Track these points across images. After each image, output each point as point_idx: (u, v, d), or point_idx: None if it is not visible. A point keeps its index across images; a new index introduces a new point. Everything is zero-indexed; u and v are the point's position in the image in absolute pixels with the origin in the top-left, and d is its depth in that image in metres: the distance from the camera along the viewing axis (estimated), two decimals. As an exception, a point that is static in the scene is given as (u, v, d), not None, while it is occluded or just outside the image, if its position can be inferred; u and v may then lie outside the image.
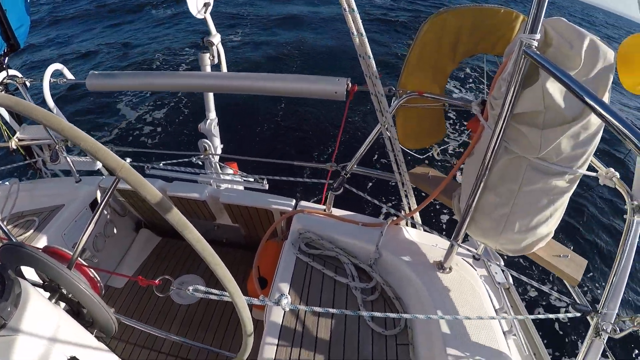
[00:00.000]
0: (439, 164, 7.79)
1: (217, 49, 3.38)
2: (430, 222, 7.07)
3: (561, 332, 5.67)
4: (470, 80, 13.88)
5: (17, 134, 3.42)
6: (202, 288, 1.29)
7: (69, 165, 3.43)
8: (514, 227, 1.95)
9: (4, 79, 3.13)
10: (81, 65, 12.59)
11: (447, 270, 2.47)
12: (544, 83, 1.55)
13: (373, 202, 2.81)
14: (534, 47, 1.46)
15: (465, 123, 10.23)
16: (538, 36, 1.45)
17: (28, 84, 3.24)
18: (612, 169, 1.75)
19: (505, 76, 1.69)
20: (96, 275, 1.56)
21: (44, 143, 3.58)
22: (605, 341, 1.71)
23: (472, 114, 2.10)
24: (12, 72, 3.22)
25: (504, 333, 2.21)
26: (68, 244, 3.15)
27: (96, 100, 10.44)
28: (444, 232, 2.57)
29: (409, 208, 2.79)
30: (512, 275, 2.50)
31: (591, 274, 6.66)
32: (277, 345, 2.19)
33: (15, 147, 3.42)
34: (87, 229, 1.41)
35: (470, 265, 2.63)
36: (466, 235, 2.25)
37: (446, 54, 2.60)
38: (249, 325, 1.39)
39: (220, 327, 3.35)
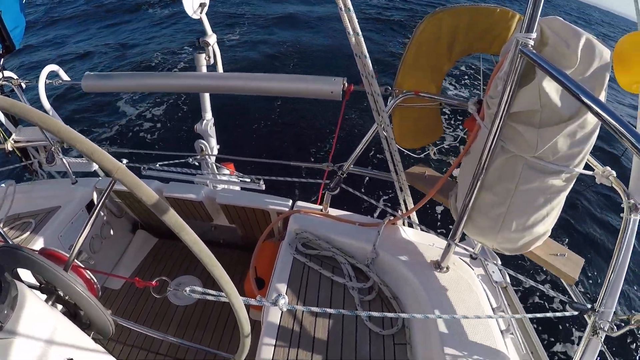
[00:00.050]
0: (436, 163, 7.79)
1: (213, 49, 3.37)
2: (427, 221, 7.08)
3: (559, 331, 5.68)
4: (466, 77, 13.94)
5: (13, 136, 3.41)
6: (199, 289, 1.29)
7: (65, 167, 3.42)
8: (510, 226, 1.95)
9: None
10: (79, 65, 12.58)
11: (445, 269, 2.47)
12: (541, 82, 1.55)
13: (370, 202, 2.80)
14: (530, 46, 1.46)
15: (460, 118, 10.30)
16: (534, 35, 1.45)
17: (24, 85, 3.24)
18: (608, 168, 1.75)
19: (501, 75, 1.68)
20: (93, 277, 1.55)
21: (40, 145, 3.57)
22: (602, 339, 1.72)
23: (468, 113, 2.10)
24: (7, 73, 3.21)
25: (501, 332, 2.21)
26: (65, 245, 3.14)
27: (96, 98, 10.45)
28: (440, 232, 2.57)
29: (406, 207, 2.79)
30: (509, 274, 2.50)
31: (588, 272, 6.68)
32: (275, 345, 2.19)
33: (11, 149, 3.41)
34: (83, 231, 1.40)
35: (468, 264, 2.63)
36: (463, 235, 2.25)
37: (442, 53, 2.60)
38: (246, 326, 1.39)
39: (218, 327, 3.35)
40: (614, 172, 1.73)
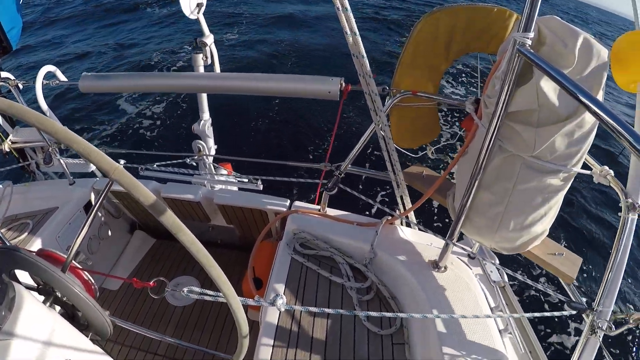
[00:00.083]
0: (434, 163, 7.80)
1: (211, 50, 3.37)
2: (425, 221, 7.08)
3: (557, 330, 5.69)
4: (463, 75, 14.01)
5: (10, 137, 3.40)
6: (197, 289, 1.29)
7: (62, 168, 3.41)
8: (508, 226, 1.95)
9: None
10: (77, 66, 12.56)
11: (442, 269, 2.47)
12: (538, 81, 1.54)
13: (367, 202, 2.80)
14: (527, 45, 1.46)
15: (456, 115, 10.31)
16: (532, 34, 1.45)
17: (21, 86, 3.23)
18: (606, 167, 1.75)
19: (499, 74, 1.68)
20: (90, 278, 1.55)
21: (37, 145, 3.56)
22: (601, 338, 1.72)
23: (466, 113, 2.10)
24: (4, 74, 3.20)
25: (499, 331, 2.21)
26: (62, 246, 3.13)
27: (95, 97, 10.45)
28: (438, 231, 2.57)
29: (404, 207, 2.79)
30: (507, 274, 2.51)
31: (586, 271, 6.69)
32: (273, 346, 2.18)
33: (8, 150, 3.41)
34: (81, 232, 1.40)
35: (466, 264, 2.63)
36: (461, 234, 2.25)
37: (440, 52, 2.60)
38: (244, 327, 1.39)
39: (216, 328, 3.34)
40: (611, 172, 1.73)
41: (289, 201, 3.23)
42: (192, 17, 3.23)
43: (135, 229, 4.19)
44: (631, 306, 6.28)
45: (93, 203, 3.46)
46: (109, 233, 3.80)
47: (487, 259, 2.74)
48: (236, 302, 1.27)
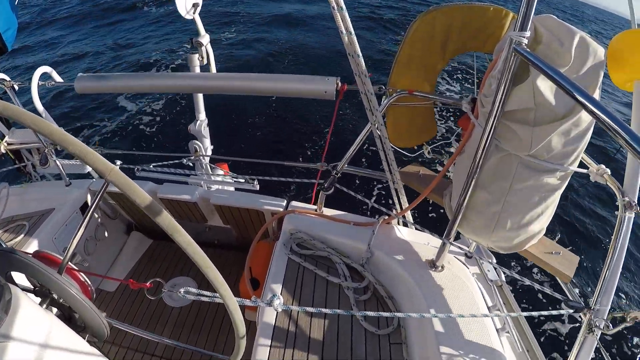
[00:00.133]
0: (430, 162, 7.80)
1: (206, 50, 3.36)
2: (422, 220, 7.08)
3: (554, 329, 5.70)
4: (458, 72, 14.10)
5: (6, 138, 3.39)
6: (194, 290, 1.29)
7: (58, 169, 3.40)
8: (505, 225, 1.95)
9: None
10: (76, 65, 12.55)
11: (440, 268, 2.47)
12: (535, 80, 1.54)
13: (364, 202, 2.80)
14: (524, 44, 1.46)
15: (451, 111, 10.33)
16: (528, 33, 1.45)
17: (16, 87, 3.21)
18: (603, 166, 1.75)
19: (495, 74, 1.68)
20: (87, 280, 1.55)
21: (33, 147, 3.54)
22: (598, 337, 1.72)
23: (462, 112, 2.10)
24: (0, 75, 3.18)
25: (497, 330, 2.21)
26: (59, 248, 3.12)
27: (94, 94, 10.40)
28: (435, 231, 2.56)
29: (401, 207, 2.79)
30: (505, 273, 2.50)
31: (584, 270, 6.70)
32: (270, 346, 2.18)
33: (4, 151, 3.38)
34: (77, 233, 1.40)
35: (463, 263, 2.63)
36: (458, 233, 2.25)
37: (436, 52, 2.60)
38: (241, 328, 1.39)
39: (213, 329, 3.34)
40: (608, 170, 1.73)
41: (285, 201, 3.23)
42: (188, 17, 3.22)
43: (132, 229, 4.18)
44: (629, 305, 6.30)
45: (89, 204, 3.45)
46: (106, 234, 3.79)
47: (484, 258, 2.74)
48: (233, 303, 1.27)
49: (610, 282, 1.69)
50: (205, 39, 3.32)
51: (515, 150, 1.73)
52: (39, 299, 1.38)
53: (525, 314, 1.99)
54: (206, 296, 1.30)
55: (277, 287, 2.49)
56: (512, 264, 6.43)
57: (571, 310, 1.80)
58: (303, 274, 2.60)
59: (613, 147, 9.76)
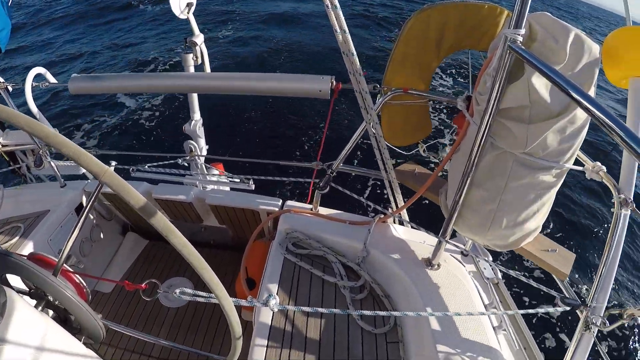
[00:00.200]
0: (425, 160, 7.80)
1: (201, 49, 3.35)
2: (418, 219, 7.08)
3: (551, 326, 5.71)
4: (452, 68, 14.19)
5: (0, 140, 3.37)
6: (189, 291, 1.29)
7: (53, 170, 3.39)
8: (501, 223, 1.95)
9: None
10: (72, 66, 12.50)
11: (436, 266, 2.47)
12: (530, 78, 1.54)
13: (360, 200, 2.80)
14: (518, 42, 1.45)
15: (447, 109, 10.36)
16: (523, 31, 1.44)
17: (10, 88, 3.19)
18: (598, 163, 1.75)
19: (490, 71, 1.68)
20: (82, 281, 1.54)
21: (27, 148, 3.53)
22: (595, 334, 1.72)
23: (458, 110, 2.09)
24: None
25: (493, 328, 2.21)
26: (54, 250, 3.11)
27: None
28: (431, 229, 2.57)
29: (396, 205, 2.79)
30: (501, 271, 2.51)
31: (580, 267, 6.71)
32: (267, 346, 2.17)
33: (-2, 153, 3.38)
34: (72, 235, 1.40)
35: (459, 261, 2.63)
36: (454, 231, 2.25)
37: (431, 50, 2.59)
38: (237, 329, 1.38)
39: (210, 329, 3.33)
40: (604, 167, 1.73)
41: (281, 201, 3.22)
42: (182, 16, 3.21)
43: (127, 230, 4.17)
44: (626, 301, 6.32)
45: (84, 205, 3.43)
46: (101, 235, 3.77)
47: (480, 256, 2.74)
48: (229, 304, 1.26)
49: (606, 279, 1.69)
50: (199, 38, 3.31)
51: (510, 148, 1.73)
52: (34, 302, 1.38)
53: (521, 311, 1.99)
54: (202, 297, 1.30)
55: (273, 287, 2.49)
56: (509, 262, 6.44)
57: (568, 308, 1.80)
58: (299, 273, 2.59)
59: (606, 142, 9.78)
